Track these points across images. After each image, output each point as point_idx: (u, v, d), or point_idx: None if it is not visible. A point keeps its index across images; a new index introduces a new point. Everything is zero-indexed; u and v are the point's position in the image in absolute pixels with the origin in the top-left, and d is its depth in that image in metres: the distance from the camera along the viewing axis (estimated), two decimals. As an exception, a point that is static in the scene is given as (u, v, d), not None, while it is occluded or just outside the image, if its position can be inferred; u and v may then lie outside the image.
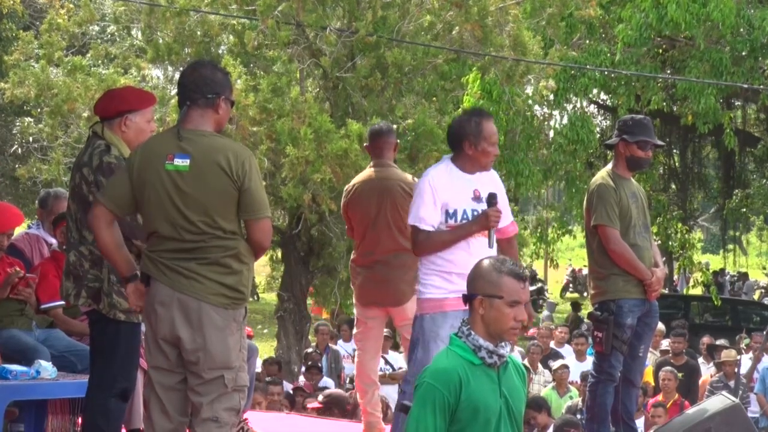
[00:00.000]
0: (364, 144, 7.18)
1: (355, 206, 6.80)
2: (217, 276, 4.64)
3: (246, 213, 4.69)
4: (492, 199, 5.75)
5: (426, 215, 5.66)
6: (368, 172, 6.86)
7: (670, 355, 13.64)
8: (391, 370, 12.89)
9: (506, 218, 5.88)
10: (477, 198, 5.75)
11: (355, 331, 7.07)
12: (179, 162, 4.66)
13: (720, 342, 15.47)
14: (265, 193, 4.81)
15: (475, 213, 5.69)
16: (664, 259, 20.92)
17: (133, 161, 4.77)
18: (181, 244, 4.65)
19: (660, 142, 7.17)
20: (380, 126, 7.00)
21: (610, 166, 6.79)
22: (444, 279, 5.68)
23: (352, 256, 6.99)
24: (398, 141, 7.15)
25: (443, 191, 5.68)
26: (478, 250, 5.61)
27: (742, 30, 17.02)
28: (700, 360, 15.00)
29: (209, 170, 4.64)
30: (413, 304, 6.65)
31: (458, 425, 3.82)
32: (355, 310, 7.10)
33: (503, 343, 3.92)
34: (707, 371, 14.10)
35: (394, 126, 12.15)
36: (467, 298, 3.94)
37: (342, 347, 15.27)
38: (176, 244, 4.66)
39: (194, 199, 4.63)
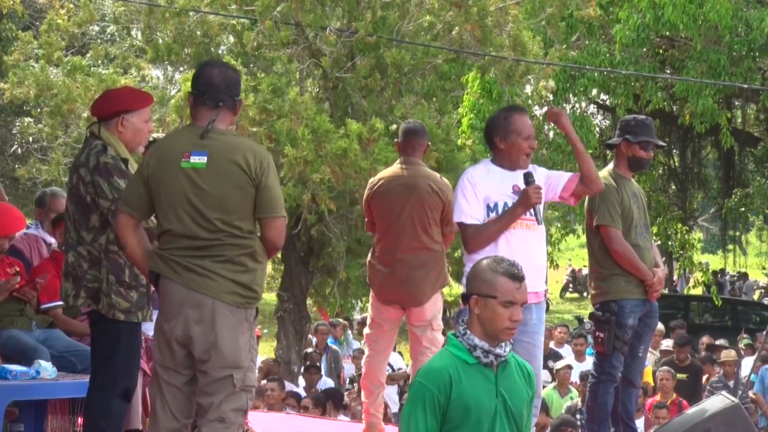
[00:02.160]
0: (396, 140, 7.10)
1: (380, 201, 6.70)
2: (231, 274, 4.63)
3: (262, 211, 4.68)
4: (528, 177, 5.74)
5: (470, 210, 5.66)
6: (396, 168, 6.75)
7: (674, 357, 13.60)
8: (390, 370, 12.89)
9: (559, 178, 5.91)
10: (516, 193, 5.73)
11: (368, 331, 6.96)
12: (196, 159, 4.66)
13: (720, 342, 15.47)
14: (281, 193, 4.81)
15: (510, 204, 5.70)
16: (663, 259, 20.90)
17: (148, 162, 4.76)
18: (196, 242, 4.64)
19: (662, 143, 7.17)
20: (416, 125, 6.87)
21: (611, 166, 6.79)
22: None
23: (370, 255, 6.88)
24: (429, 144, 7.11)
25: (482, 185, 5.69)
26: (520, 244, 5.64)
27: (740, 30, 17.00)
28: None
29: (227, 168, 4.64)
30: (433, 305, 6.61)
31: (450, 424, 3.85)
32: (369, 310, 7.00)
33: (503, 343, 3.92)
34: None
35: (393, 126, 12.21)
36: (464, 298, 3.96)
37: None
38: (190, 242, 4.64)
39: (211, 196, 4.63)
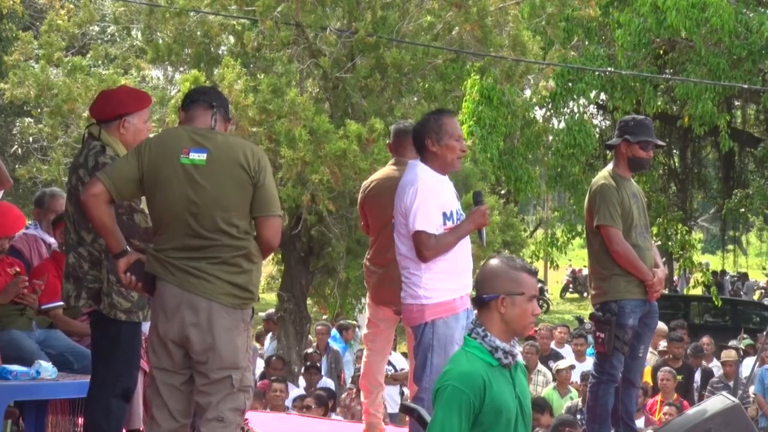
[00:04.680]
0: (387, 141, 7.07)
1: (372, 203, 6.70)
2: (227, 275, 4.64)
3: (258, 210, 4.69)
4: (478, 197, 5.79)
5: (432, 219, 5.59)
6: (388, 169, 6.73)
7: (669, 356, 13.62)
8: (393, 370, 12.88)
9: None
10: (458, 197, 5.78)
11: (365, 331, 6.98)
12: (195, 156, 4.66)
13: (731, 343, 15.45)
14: (277, 192, 4.81)
15: (459, 212, 5.71)
16: (663, 259, 20.91)
17: (144, 151, 4.73)
18: (192, 241, 4.64)
19: (661, 143, 7.16)
20: (406, 126, 6.79)
21: (610, 166, 6.78)
22: (448, 280, 5.64)
23: (366, 256, 6.90)
24: None
25: (438, 194, 5.63)
26: (466, 246, 5.70)
27: (740, 33, 17.01)
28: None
29: (227, 165, 4.65)
30: None
31: (480, 428, 3.81)
32: (366, 310, 7.02)
33: (512, 342, 3.93)
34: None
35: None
36: (483, 301, 3.90)
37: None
38: (186, 242, 4.64)
39: (210, 194, 4.63)
